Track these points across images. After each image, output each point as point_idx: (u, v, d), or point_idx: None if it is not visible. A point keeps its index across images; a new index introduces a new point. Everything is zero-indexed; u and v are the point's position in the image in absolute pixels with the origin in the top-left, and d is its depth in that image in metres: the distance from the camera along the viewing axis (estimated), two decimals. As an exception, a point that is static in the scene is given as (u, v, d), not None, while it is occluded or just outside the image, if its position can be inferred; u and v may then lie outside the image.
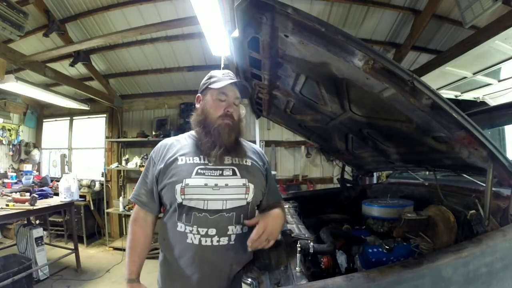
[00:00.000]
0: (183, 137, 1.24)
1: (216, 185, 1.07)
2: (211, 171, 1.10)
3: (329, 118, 1.60)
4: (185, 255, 1.07)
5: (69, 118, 5.78)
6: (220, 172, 1.10)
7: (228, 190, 1.08)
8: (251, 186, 1.12)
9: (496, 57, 2.91)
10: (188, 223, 1.06)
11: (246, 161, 1.17)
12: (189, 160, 1.12)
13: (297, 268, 0.94)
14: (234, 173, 1.12)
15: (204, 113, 1.17)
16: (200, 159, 1.12)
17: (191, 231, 1.05)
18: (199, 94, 1.25)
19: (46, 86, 4.42)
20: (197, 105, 1.25)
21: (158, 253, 1.20)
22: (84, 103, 5.04)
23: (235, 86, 1.17)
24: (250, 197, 1.11)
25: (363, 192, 2.43)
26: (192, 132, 1.26)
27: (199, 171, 1.09)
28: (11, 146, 5.48)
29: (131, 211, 5.05)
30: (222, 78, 1.16)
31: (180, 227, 1.07)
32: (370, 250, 1.36)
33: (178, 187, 1.06)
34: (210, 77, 1.21)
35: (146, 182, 1.16)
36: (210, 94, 1.17)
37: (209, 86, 1.17)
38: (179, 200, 1.06)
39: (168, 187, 1.09)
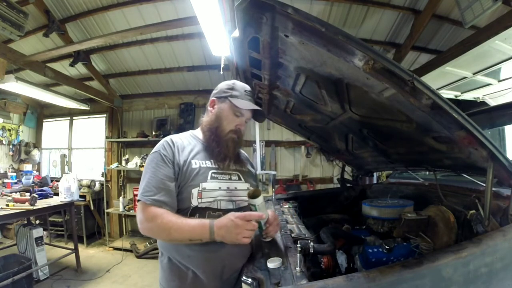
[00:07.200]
0: (185, 138, 1.24)
1: (228, 188, 1.17)
2: (222, 175, 1.19)
3: (329, 118, 1.60)
4: (196, 253, 1.07)
5: (69, 118, 5.78)
6: (229, 176, 1.21)
7: (237, 192, 1.20)
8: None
9: (496, 57, 2.92)
10: None
11: (244, 168, 1.31)
12: (203, 163, 1.16)
13: (297, 268, 0.93)
14: (239, 178, 1.25)
15: (218, 121, 1.21)
16: (211, 163, 1.18)
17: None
18: (214, 98, 1.26)
19: (46, 86, 4.43)
20: (210, 109, 1.26)
21: (158, 253, 1.20)
22: (84, 103, 5.05)
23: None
24: None
25: (363, 192, 2.43)
26: (195, 133, 1.29)
27: (213, 175, 1.16)
28: (11, 146, 5.48)
29: (131, 211, 5.06)
30: (244, 97, 1.23)
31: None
32: (370, 250, 1.36)
33: (195, 191, 1.09)
34: (233, 89, 1.23)
35: (161, 180, 1.07)
36: (229, 106, 1.21)
37: (230, 98, 1.20)
38: (194, 203, 1.09)
39: (182, 190, 1.10)
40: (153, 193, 1.05)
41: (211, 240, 0.99)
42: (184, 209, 1.10)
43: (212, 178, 1.14)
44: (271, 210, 1.21)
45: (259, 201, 1.07)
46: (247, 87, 1.26)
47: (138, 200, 1.07)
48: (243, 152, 1.40)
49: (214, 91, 1.29)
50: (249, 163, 1.40)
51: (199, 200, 1.09)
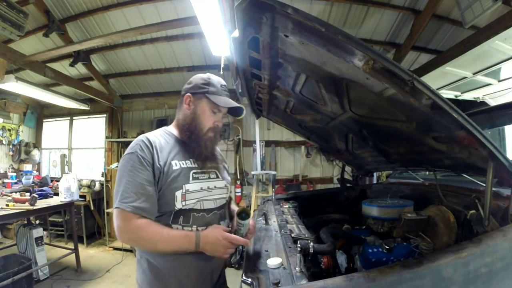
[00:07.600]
0: (161, 136, 1.17)
1: (208, 187, 1.17)
2: (202, 175, 1.18)
3: (329, 118, 1.60)
4: (182, 256, 1.05)
5: (69, 118, 5.78)
6: (208, 175, 1.21)
7: (217, 191, 1.21)
8: (229, 187, 1.31)
9: (496, 57, 2.92)
10: (187, 224, 1.07)
11: (220, 165, 1.31)
12: (183, 164, 1.12)
13: (297, 268, 0.93)
14: (217, 176, 1.26)
15: (196, 120, 1.17)
16: (191, 163, 1.16)
17: (189, 231, 1.06)
18: (189, 94, 1.18)
19: (46, 86, 4.43)
20: (186, 106, 1.19)
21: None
22: (84, 103, 5.05)
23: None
24: (227, 196, 1.29)
25: (363, 192, 2.43)
26: (169, 130, 1.23)
27: (194, 175, 1.14)
28: (11, 146, 5.48)
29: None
30: (221, 93, 1.19)
31: (176, 229, 1.06)
32: (370, 250, 1.36)
33: (178, 193, 1.06)
34: (209, 84, 1.17)
35: (140, 184, 1.01)
36: (206, 102, 1.16)
37: (208, 95, 1.15)
38: (178, 206, 1.06)
39: (165, 193, 1.06)
40: (133, 199, 0.98)
41: (195, 250, 1.02)
42: (168, 212, 1.06)
43: (193, 178, 1.12)
44: (251, 219, 1.22)
45: (247, 221, 1.12)
46: (222, 82, 1.22)
47: (116, 207, 0.99)
48: (217, 148, 1.36)
49: (187, 86, 1.21)
50: (222, 158, 1.37)
51: (183, 203, 1.06)
